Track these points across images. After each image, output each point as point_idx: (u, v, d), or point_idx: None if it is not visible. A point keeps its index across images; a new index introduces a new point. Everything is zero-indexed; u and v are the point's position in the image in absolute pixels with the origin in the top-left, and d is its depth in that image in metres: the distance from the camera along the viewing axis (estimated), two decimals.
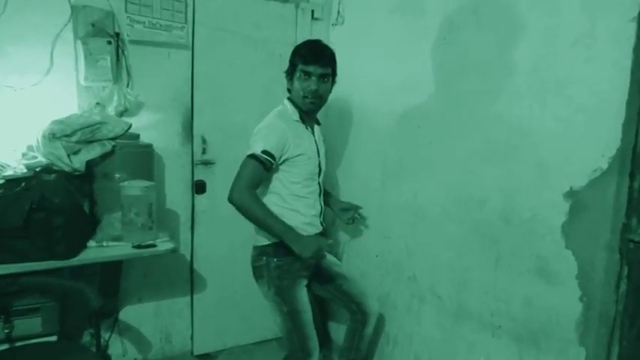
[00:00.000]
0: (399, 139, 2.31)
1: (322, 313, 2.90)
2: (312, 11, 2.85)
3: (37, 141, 2.02)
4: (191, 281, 2.78)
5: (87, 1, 2.26)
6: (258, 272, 2.05)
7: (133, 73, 2.42)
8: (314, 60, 1.96)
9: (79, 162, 2.03)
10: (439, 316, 2.10)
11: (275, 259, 1.98)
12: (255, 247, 2.06)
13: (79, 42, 2.24)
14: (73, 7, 2.24)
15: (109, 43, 2.28)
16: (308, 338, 2.04)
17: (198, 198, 2.72)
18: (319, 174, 2.11)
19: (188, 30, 2.52)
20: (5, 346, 1.97)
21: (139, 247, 2.07)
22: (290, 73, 2.05)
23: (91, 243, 2.05)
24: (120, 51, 2.36)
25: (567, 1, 1.52)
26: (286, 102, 2.07)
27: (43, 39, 2.22)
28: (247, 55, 2.75)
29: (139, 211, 2.09)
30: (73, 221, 1.93)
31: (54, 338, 2.05)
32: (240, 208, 1.88)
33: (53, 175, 1.96)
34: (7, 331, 1.97)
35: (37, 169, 1.99)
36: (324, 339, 2.87)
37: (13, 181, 1.88)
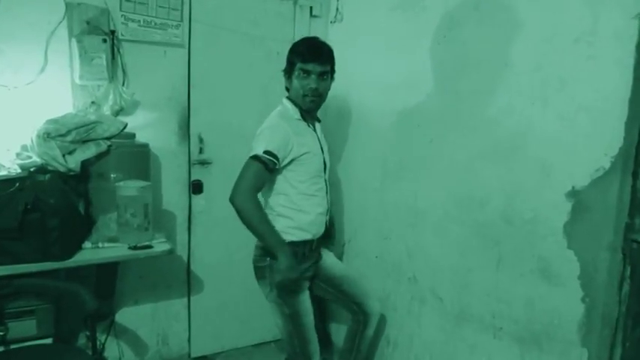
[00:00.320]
0: (398, 138, 2.30)
1: (322, 315, 2.88)
2: (311, 8, 2.83)
3: (32, 141, 2.00)
4: (188, 283, 2.75)
5: None
6: (260, 272, 2.03)
7: (128, 71, 2.39)
8: (313, 58, 1.94)
9: (74, 162, 2.01)
10: (440, 317, 2.08)
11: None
12: (258, 247, 2.04)
13: (73, 40, 2.21)
14: (68, 5, 2.21)
15: (105, 41, 2.25)
16: (309, 342, 2.02)
17: (195, 198, 2.69)
18: (325, 170, 2.10)
19: (184, 28, 2.50)
20: (0, 349, 1.94)
21: (135, 248, 2.05)
22: (288, 72, 2.03)
23: (87, 244, 2.03)
24: (115, 49, 2.33)
25: None
26: (285, 101, 2.05)
27: (38, 37, 2.19)
28: (244, 53, 2.73)
29: (135, 211, 2.06)
30: (68, 222, 1.91)
31: (49, 341, 2.03)
32: (240, 212, 1.86)
33: (48, 176, 1.94)
34: (1, 333, 1.95)
35: (32, 169, 1.97)
36: (325, 341, 2.85)
37: (6, 182, 1.86)
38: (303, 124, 2.04)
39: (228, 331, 2.90)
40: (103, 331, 2.47)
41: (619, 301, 1.42)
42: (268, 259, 1.97)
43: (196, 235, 2.73)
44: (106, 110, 2.30)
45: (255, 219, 1.87)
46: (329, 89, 2.06)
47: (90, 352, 1.97)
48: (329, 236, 2.27)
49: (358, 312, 2.19)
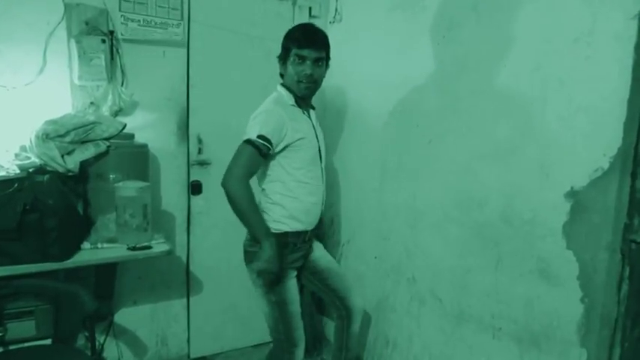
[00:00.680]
0: (397, 138, 2.30)
1: (318, 313, 2.88)
2: (310, 8, 2.83)
3: (31, 141, 2.00)
4: (187, 283, 2.75)
5: None
6: (249, 257, 2.02)
7: (127, 71, 2.39)
8: (308, 44, 1.93)
9: (72, 162, 2.01)
10: (439, 318, 2.08)
11: None
12: (249, 232, 2.03)
13: (72, 40, 2.21)
14: (67, 5, 2.21)
15: (103, 41, 2.25)
16: (294, 329, 2.02)
17: (194, 199, 2.69)
18: (321, 159, 2.09)
19: (184, 27, 2.50)
20: None
21: (133, 248, 2.04)
22: (283, 58, 2.02)
23: (86, 245, 2.03)
24: (114, 49, 2.33)
25: None
26: (280, 88, 2.04)
27: (36, 37, 2.19)
28: (244, 53, 2.72)
29: (134, 212, 2.06)
30: (66, 223, 1.90)
31: (48, 341, 2.02)
32: (230, 197, 1.84)
33: (46, 176, 1.94)
34: (0, 334, 1.94)
35: (31, 170, 1.97)
36: (321, 339, 2.85)
37: (5, 182, 1.85)
38: (298, 110, 2.02)
39: (228, 331, 2.90)
40: (102, 331, 2.46)
41: (618, 302, 1.43)
42: (258, 244, 1.96)
43: (195, 236, 2.73)
44: (105, 111, 2.29)
45: (244, 206, 1.85)
46: (324, 76, 2.05)
47: (89, 353, 1.97)
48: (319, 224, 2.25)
49: (341, 307, 2.19)
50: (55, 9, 2.19)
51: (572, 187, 1.52)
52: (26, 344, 1.95)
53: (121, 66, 2.37)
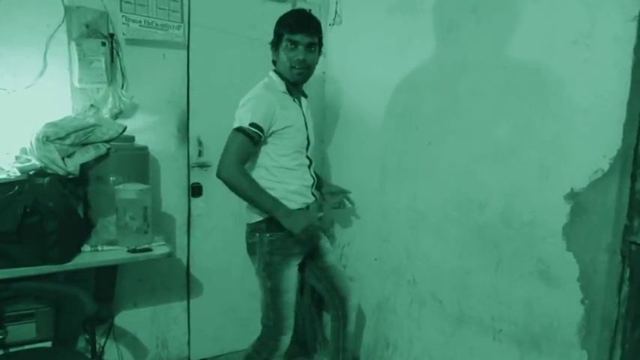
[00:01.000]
0: (397, 139, 2.30)
1: (319, 315, 2.88)
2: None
3: (31, 144, 2.00)
4: (187, 286, 2.75)
5: (81, 1, 2.24)
6: (251, 249, 2.04)
7: (127, 74, 2.39)
8: (300, 29, 1.93)
9: (73, 165, 2.01)
10: (439, 320, 2.08)
11: (268, 235, 1.97)
12: (249, 225, 2.05)
13: (72, 43, 2.21)
14: (67, 8, 2.21)
15: (104, 44, 2.25)
16: (284, 318, 2.04)
17: (195, 201, 2.69)
18: (307, 147, 2.08)
19: (184, 29, 2.50)
20: None
21: (134, 251, 2.04)
22: (275, 44, 2.02)
23: (86, 247, 2.03)
24: (114, 52, 2.33)
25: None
26: (272, 74, 2.04)
27: (37, 40, 2.19)
28: (244, 56, 2.72)
29: (134, 214, 2.06)
30: (67, 225, 1.90)
31: (49, 344, 2.02)
32: (229, 185, 1.85)
33: (47, 179, 1.94)
34: (1, 337, 1.94)
35: (31, 173, 1.97)
36: (322, 341, 2.85)
37: (6, 185, 1.85)
38: (289, 97, 2.02)
39: (228, 334, 2.89)
40: (103, 334, 2.46)
41: (618, 303, 1.42)
42: (257, 234, 1.98)
43: (196, 238, 2.73)
44: (105, 113, 2.29)
45: (245, 186, 1.86)
46: (317, 62, 2.05)
47: (89, 356, 1.97)
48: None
49: (339, 307, 2.20)
50: (55, 12, 2.20)
51: (572, 189, 1.52)
52: (26, 347, 1.95)
53: (121, 68, 2.37)
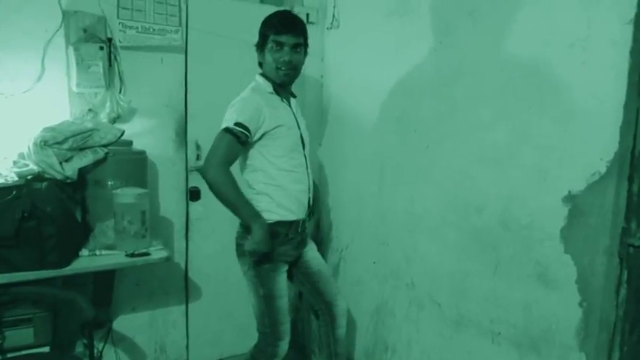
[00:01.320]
0: (395, 143, 2.30)
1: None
2: (307, 15, 2.84)
3: (29, 148, 2.00)
4: (186, 290, 2.74)
5: (78, 6, 2.24)
6: (240, 250, 2.04)
7: (125, 78, 2.39)
8: (286, 30, 1.94)
9: (70, 169, 2.01)
10: (438, 323, 2.07)
11: None
12: (240, 225, 2.04)
13: (70, 48, 2.22)
14: (65, 13, 2.22)
15: (101, 48, 2.26)
16: (280, 323, 2.04)
17: (193, 205, 2.69)
18: (303, 146, 2.08)
19: (182, 33, 2.50)
20: None
21: (132, 255, 2.04)
22: (260, 46, 2.02)
23: (84, 252, 2.03)
24: (112, 56, 2.33)
25: (564, 2, 1.51)
26: (258, 77, 2.05)
27: (34, 45, 2.19)
28: (241, 60, 2.71)
29: (132, 218, 2.06)
30: (65, 230, 1.90)
31: (47, 349, 2.02)
32: (212, 185, 1.85)
33: (45, 183, 1.94)
34: None
35: (29, 177, 1.97)
36: (320, 344, 2.84)
37: (3, 190, 1.85)
38: (276, 98, 2.02)
39: (227, 338, 2.89)
40: (101, 338, 2.45)
41: (616, 306, 1.42)
42: (248, 237, 1.96)
43: (194, 242, 2.73)
44: (103, 118, 2.30)
45: (227, 191, 1.85)
46: (303, 63, 2.05)
47: None
48: (311, 213, 2.24)
49: (325, 312, 2.20)
50: (53, 16, 2.20)
51: (569, 192, 1.52)
52: (24, 352, 1.95)
53: (119, 73, 2.37)
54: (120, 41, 2.34)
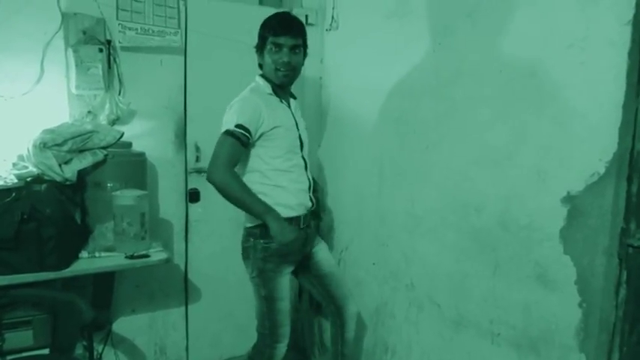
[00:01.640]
0: (394, 144, 2.30)
1: (318, 321, 2.87)
2: (306, 16, 2.84)
3: (28, 150, 2.00)
4: (185, 291, 2.74)
5: (78, 8, 2.24)
6: (245, 253, 2.04)
7: (124, 80, 2.40)
8: (284, 31, 1.95)
9: (70, 171, 2.01)
10: (438, 324, 2.07)
11: (262, 241, 1.96)
12: (245, 228, 2.05)
13: (69, 50, 2.22)
14: (64, 15, 2.22)
15: (101, 50, 2.26)
16: (280, 325, 2.04)
17: (192, 207, 2.69)
18: (302, 147, 2.08)
19: (181, 35, 2.51)
20: None
21: (131, 257, 2.04)
22: (260, 47, 2.03)
23: (83, 254, 2.03)
24: (111, 58, 2.34)
25: (563, 3, 1.51)
26: (258, 78, 2.05)
27: (34, 47, 2.20)
28: (240, 61, 2.71)
29: (132, 220, 2.06)
30: (64, 232, 1.90)
31: (46, 351, 2.01)
32: (220, 188, 1.86)
33: (44, 185, 1.94)
34: None
35: (28, 179, 1.97)
36: (320, 347, 2.84)
37: (3, 192, 1.85)
38: (275, 99, 2.03)
39: (226, 339, 2.88)
40: (101, 340, 2.45)
41: (616, 306, 1.42)
42: (252, 239, 1.98)
43: (193, 244, 2.73)
44: (103, 119, 2.30)
45: (236, 192, 1.86)
46: (302, 64, 2.06)
47: None
48: (316, 216, 2.24)
49: (336, 314, 2.20)
50: (52, 18, 2.20)
51: (568, 192, 1.52)
52: (24, 354, 1.94)
53: (118, 75, 2.37)
54: (120, 42, 2.34)
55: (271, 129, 1.94)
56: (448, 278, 2.00)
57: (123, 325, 2.57)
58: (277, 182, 1.98)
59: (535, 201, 1.63)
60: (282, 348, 2.07)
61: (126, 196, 2.06)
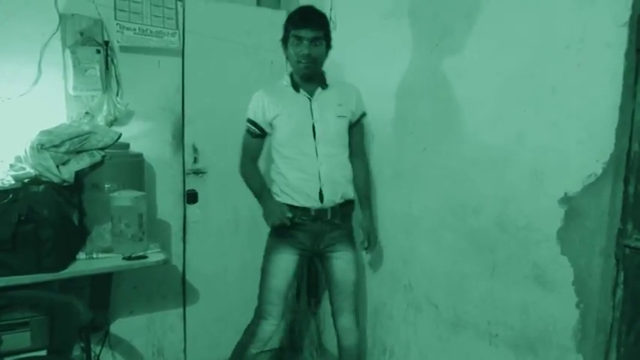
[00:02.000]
0: (392, 145, 2.30)
1: (316, 322, 2.87)
2: None
3: (25, 152, 2.00)
4: (183, 293, 2.74)
5: (75, 9, 2.24)
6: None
7: (122, 81, 2.40)
8: (304, 24, 1.98)
9: (67, 173, 2.01)
10: (436, 325, 2.07)
11: None
12: None
13: (67, 51, 2.22)
14: (62, 16, 2.22)
15: (98, 51, 2.26)
16: (266, 301, 2.11)
17: (190, 208, 2.69)
18: (314, 136, 2.05)
19: (179, 36, 2.51)
20: None
21: (129, 258, 2.04)
22: (284, 40, 2.07)
23: (81, 255, 2.03)
24: (109, 60, 2.34)
25: (559, 5, 1.52)
26: (286, 74, 2.17)
27: (31, 48, 2.19)
28: (238, 62, 2.73)
29: (130, 222, 2.06)
30: (62, 233, 1.90)
31: (43, 353, 2.01)
32: (243, 178, 2.13)
33: (41, 187, 1.94)
34: None
35: (25, 181, 1.97)
36: (318, 347, 2.84)
37: (0, 193, 1.85)
38: (291, 90, 2.08)
39: (224, 341, 2.86)
40: (98, 342, 2.45)
41: (613, 307, 1.43)
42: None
43: (191, 245, 2.72)
44: (100, 121, 2.30)
45: (247, 181, 2.13)
46: (325, 56, 2.09)
47: None
48: (346, 219, 2.18)
49: (334, 323, 2.24)
50: (49, 20, 2.20)
51: (565, 193, 1.52)
52: (21, 356, 1.94)
53: (115, 76, 2.37)
54: (118, 41, 2.34)
55: (274, 117, 2.05)
56: (446, 279, 2.01)
57: (120, 327, 2.57)
58: (281, 170, 2.06)
59: (532, 202, 1.63)
60: (265, 326, 2.11)
61: (123, 198, 2.06)
